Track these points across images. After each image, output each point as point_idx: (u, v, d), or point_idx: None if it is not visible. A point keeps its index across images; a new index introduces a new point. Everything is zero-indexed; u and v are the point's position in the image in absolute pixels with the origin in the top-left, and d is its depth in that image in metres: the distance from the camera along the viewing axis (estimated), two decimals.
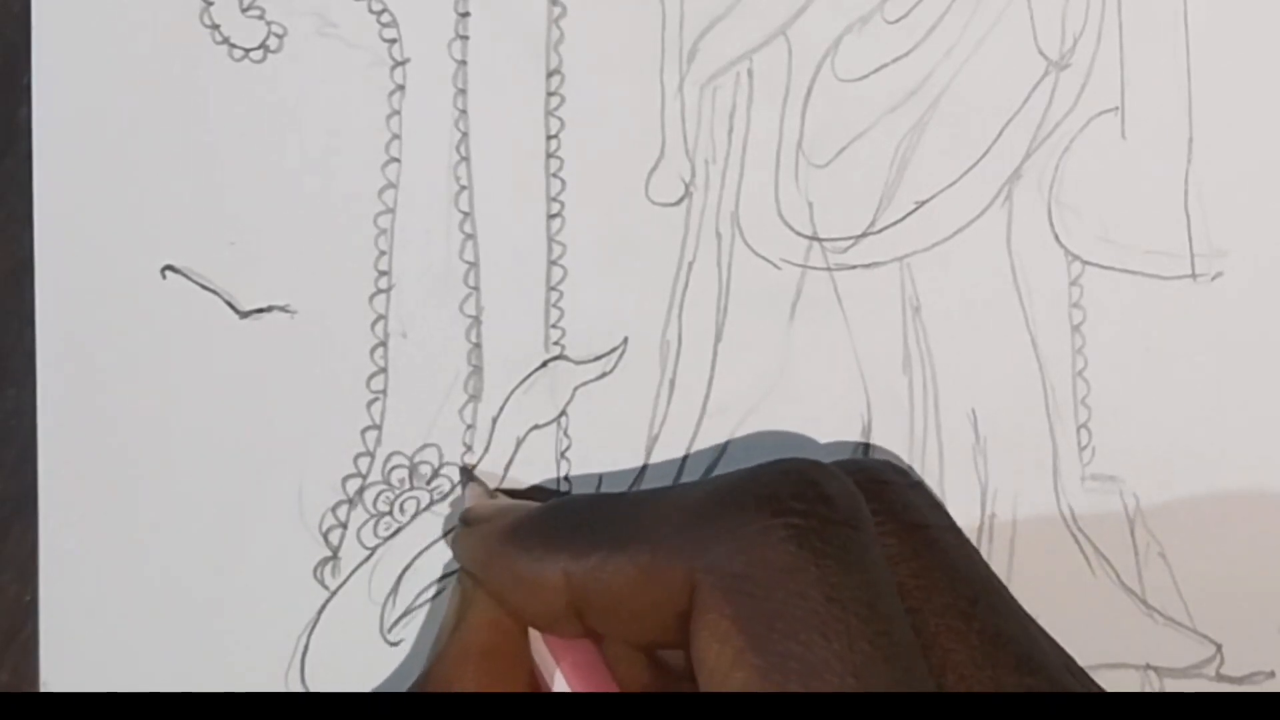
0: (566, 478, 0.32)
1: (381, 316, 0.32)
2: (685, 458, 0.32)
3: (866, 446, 0.32)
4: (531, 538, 0.27)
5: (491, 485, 0.32)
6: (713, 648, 0.24)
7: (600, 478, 0.32)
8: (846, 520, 0.25)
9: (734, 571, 0.24)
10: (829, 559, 0.24)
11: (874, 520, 0.26)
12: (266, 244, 0.32)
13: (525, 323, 0.32)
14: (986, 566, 0.27)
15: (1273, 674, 0.32)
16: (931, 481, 0.32)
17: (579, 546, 0.26)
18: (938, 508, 0.28)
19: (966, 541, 0.28)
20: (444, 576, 0.32)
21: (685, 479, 0.32)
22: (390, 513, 0.32)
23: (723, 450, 0.32)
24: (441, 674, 0.28)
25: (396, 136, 0.32)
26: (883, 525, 0.26)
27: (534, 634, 0.28)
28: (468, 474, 0.32)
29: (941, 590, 0.26)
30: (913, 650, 0.24)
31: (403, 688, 0.31)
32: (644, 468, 0.32)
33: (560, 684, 0.27)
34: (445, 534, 0.32)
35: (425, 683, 0.28)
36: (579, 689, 0.27)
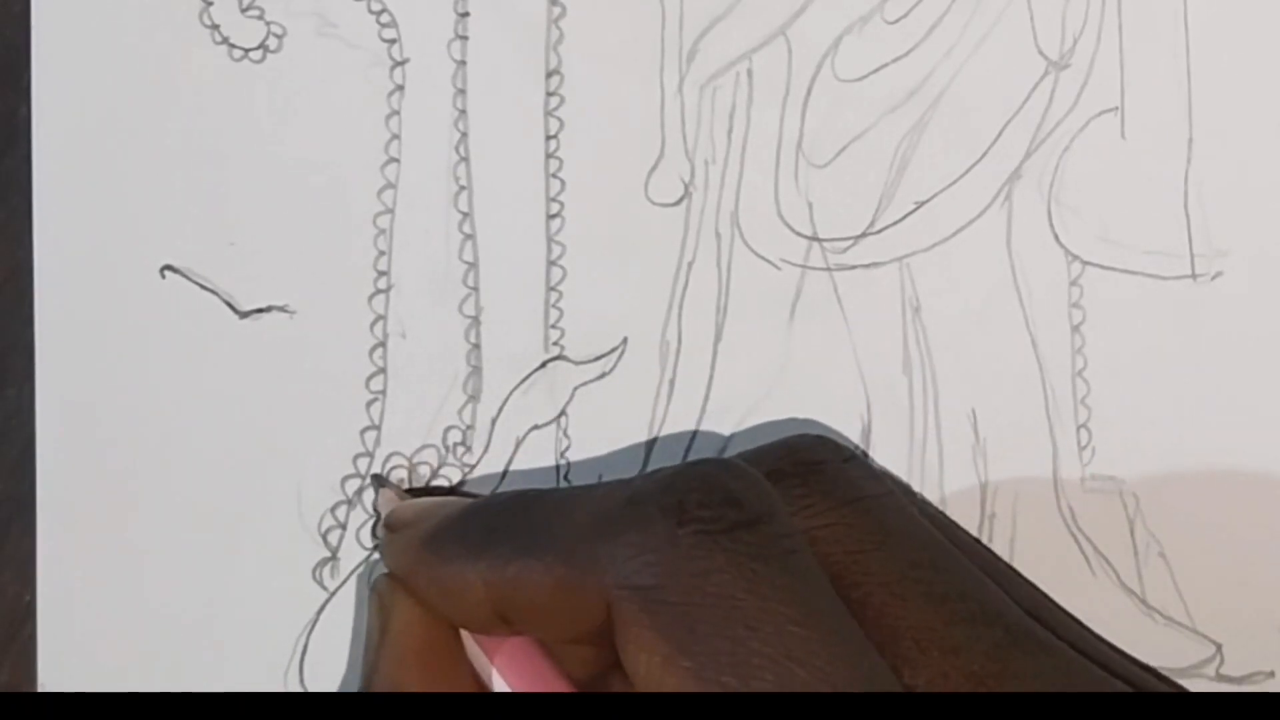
0: (566, 478, 0.32)
1: (381, 317, 0.32)
2: (685, 458, 0.32)
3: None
4: (451, 545, 0.27)
5: (489, 488, 0.32)
6: (640, 658, 0.24)
7: (600, 478, 0.32)
8: (757, 518, 0.25)
9: (647, 584, 0.24)
10: (742, 556, 0.24)
11: (808, 501, 0.26)
12: (266, 244, 0.32)
13: (525, 323, 0.32)
14: (930, 528, 0.27)
15: (1273, 674, 0.32)
16: (931, 481, 0.32)
17: (497, 555, 0.26)
18: (875, 478, 0.27)
19: (906, 507, 0.27)
20: None
21: None
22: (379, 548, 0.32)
23: (722, 451, 0.32)
24: (384, 684, 0.28)
25: (396, 137, 0.32)
26: (813, 506, 0.26)
27: (465, 635, 0.28)
28: (379, 480, 0.32)
29: (882, 560, 0.26)
30: (847, 624, 0.24)
31: None
32: (644, 468, 0.32)
33: (498, 680, 0.27)
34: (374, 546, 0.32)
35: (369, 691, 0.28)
36: (516, 683, 0.27)
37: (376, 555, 0.32)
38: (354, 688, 0.30)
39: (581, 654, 0.28)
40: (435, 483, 0.32)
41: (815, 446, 0.28)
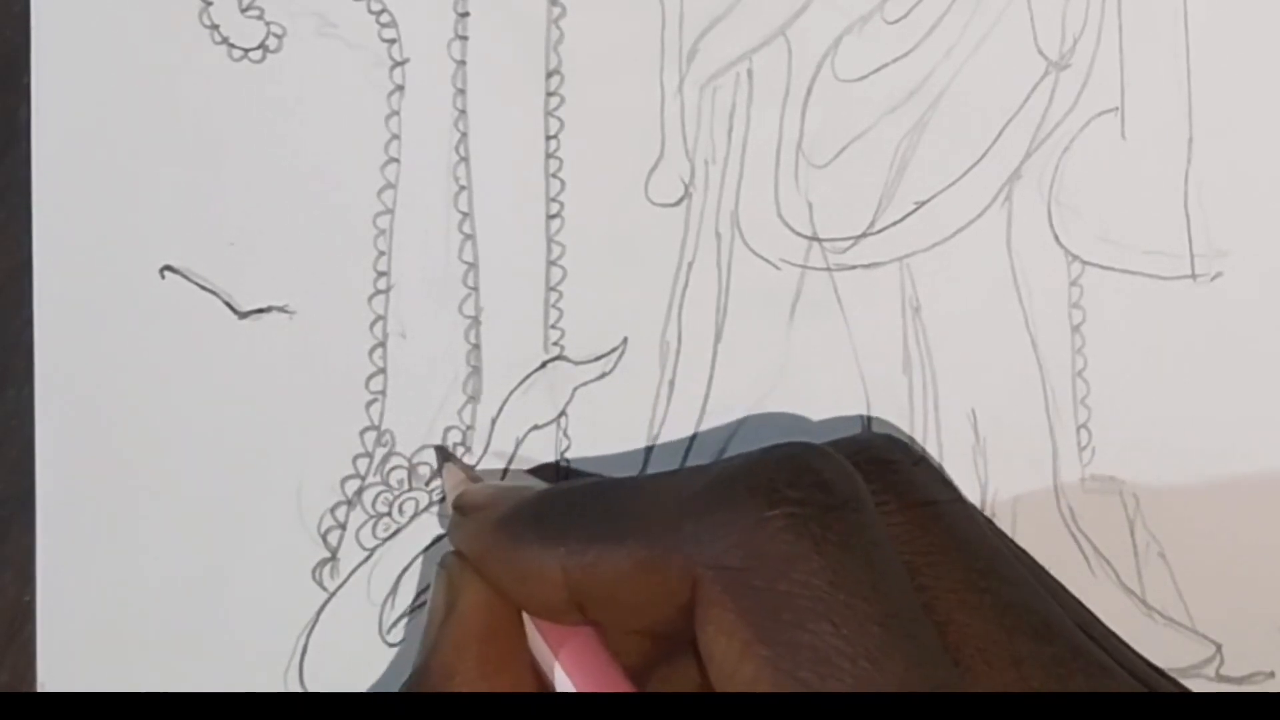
0: (567, 479, 0.32)
1: (381, 317, 0.32)
2: (685, 458, 0.32)
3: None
4: (528, 530, 0.27)
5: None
6: (719, 641, 0.24)
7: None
8: (845, 504, 0.25)
9: (734, 565, 0.24)
10: (829, 545, 0.24)
11: (878, 500, 0.26)
12: (266, 244, 0.32)
13: (524, 323, 0.32)
14: (997, 538, 0.27)
15: (1273, 674, 0.32)
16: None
17: (575, 540, 0.26)
18: (944, 483, 0.28)
19: (975, 514, 0.27)
20: None
21: None
22: (389, 514, 0.32)
23: (722, 451, 0.32)
24: (440, 664, 0.27)
25: (396, 137, 0.32)
26: (887, 505, 0.26)
27: (529, 625, 0.28)
28: (444, 454, 0.32)
29: (951, 566, 0.26)
30: (925, 628, 0.24)
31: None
32: (644, 469, 0.32)
33: (560, 676, 0.27)
34: (438, 536, 0.32)
35: (424, 675, 0.28)
36: (579, 679, 0.27)
37: (378, 556, 0.32)
38: (354, 687, 0.30)
39: (640, 644, 0.28)
40: (433, 483, 0.32)
41: (888, 446, 0.28)
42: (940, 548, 0.26)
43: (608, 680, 0.27)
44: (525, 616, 0.28)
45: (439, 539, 0.32)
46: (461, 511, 0.29)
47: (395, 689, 0.31)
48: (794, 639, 0.23)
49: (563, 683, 0.27)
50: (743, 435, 0.32)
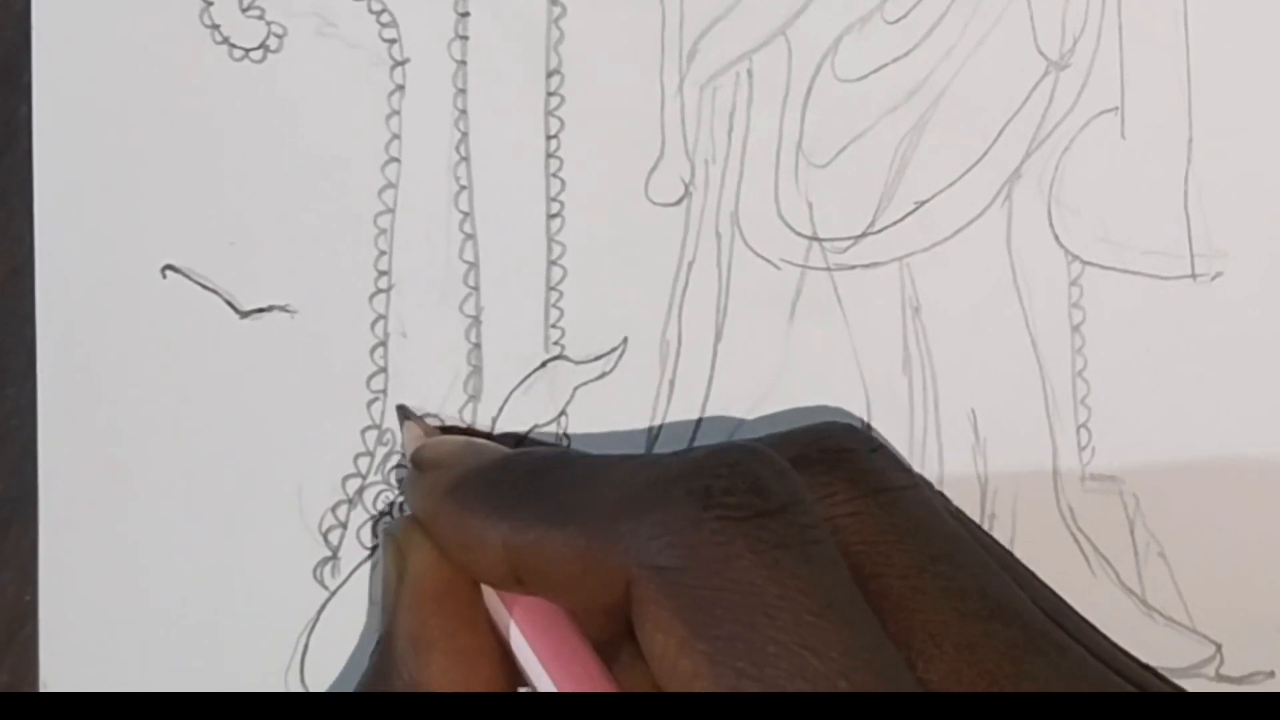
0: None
1: (381, 316, 0.32)
2: None
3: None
4: (476, 500, 0.27)
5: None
6: (657, 639, 0.24)
7: None
8: (783, 508, 0.25)
9: (669, 565, 0.24)
10: (764, 545, 0.24)
11: (832, 490, 0.26)
12: (266, 244, 0.32)
13: (525, 323, 0.32)
14: (958, 523, 0.27)
15: (1272, 674, 0.32)
16: (932, 481, 0.32)
17: (519, 518, 0.26)
18: (902, 470, 0.28)
19: (932, 500, 0.27)
20: None
21: None
22: (390, 513, 0.32)
23: None
24: (403, 630, 0.27)
25: (396, 136, 0.32)
26: (837, 494, 0.26)
27: (484, 586, 0.28)
28: (404, 412, 0.32)
29: (903, 552, 0.26)
30: (866, 616, 0.24)
31: None
32: None
33: (515, 634, 0.27)
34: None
35: (389, 641, 0.28)
36: (534, 639, 0.27)
37: (379, 555, 0.32)
38: (354, 687, 0.30)
39: (596, 620, 0.28)
40: None
41: (842, 435, 0.28)
42: (892, 535, 0.26)
43: (561, 638, 0.27)
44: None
45: None
46: (418, 467, 0.29)
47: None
48: (730, 633, 0.23)
49: (518, 641, 0.27)
50: (743, 435, 0.32)
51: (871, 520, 0.26)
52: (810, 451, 0.27)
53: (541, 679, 0.27)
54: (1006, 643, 0.25)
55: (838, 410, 0.32)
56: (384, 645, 0.28)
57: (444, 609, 0.28)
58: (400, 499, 0.32)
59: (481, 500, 0.27)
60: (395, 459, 0.32)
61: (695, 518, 0.24)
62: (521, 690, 0.28)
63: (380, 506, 0.32)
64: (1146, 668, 0.27)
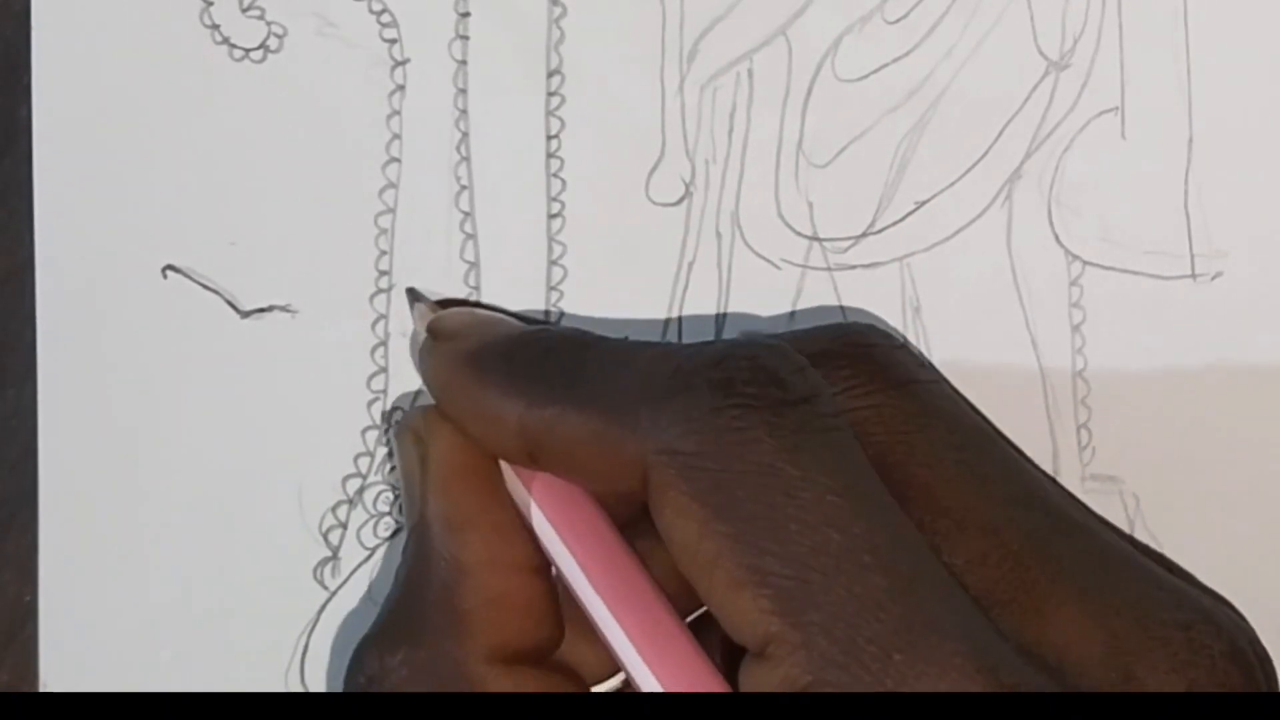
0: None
1: (382, 316, 0.32)
2: None
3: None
4: (493, 372, 0.27)
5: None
6: (677, 524, 0.24)
7: None
8: (802, 398, 0.25)
9: (688, 450, 0.24)
10: (784, 430, 0.24)
11: (854, 382, 0.26)
12: (267, 244, 0.32)
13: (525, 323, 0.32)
14: (977, 415, 0.27)
15: None
16: None
17: (537, 394, 0.26)
18: (925, 366, 0.28)
19: (955, 394, 0.28)
20: None
21: None
22: (390, 513, 0.32)
23: None
24: (434, 514, 0.27)
25: (397, 136, 0.32)
26: (863, 386, 0.26)
27: (503, 464, 0.28)
28: (414, 294, 0.32)
29: (925, 440, 0.26)
30: (886, 498, 0.24)
31: None
32: None
33: (536, 514, 0.27)
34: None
35: (421, 529, 0.28)
36: (555, 517, 0.27)
37: (380, 555, 0.32)
38: (393, 582, 0.29)
39: (610, 506, 0.28)
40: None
41: (866, 331, 0.28)
42: (915, 424, 0.26)
43: (581, 516, 0.27)
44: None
45: None
46: (435, 335, 0.29)
47: None
48: (750, 513, 0.23)
49: (539, 520, 0.27)
50: None
51: (894, 410, 0.26)
52: (834, 346, 0.27)
53: (563, 556, 0.27)
54: (1030, 525, 0.25)
55: None
56: (416, 535, 0.28)
57: (474, 487, 0.28)
58: (399, 496, 0.32)
59: (499, 372, 0.27)
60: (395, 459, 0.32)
61: (716, 405, 0.24)
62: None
63: (381, 507, 0.32)
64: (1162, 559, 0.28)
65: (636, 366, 0.26)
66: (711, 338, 0.32)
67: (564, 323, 0.32)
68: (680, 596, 0.26)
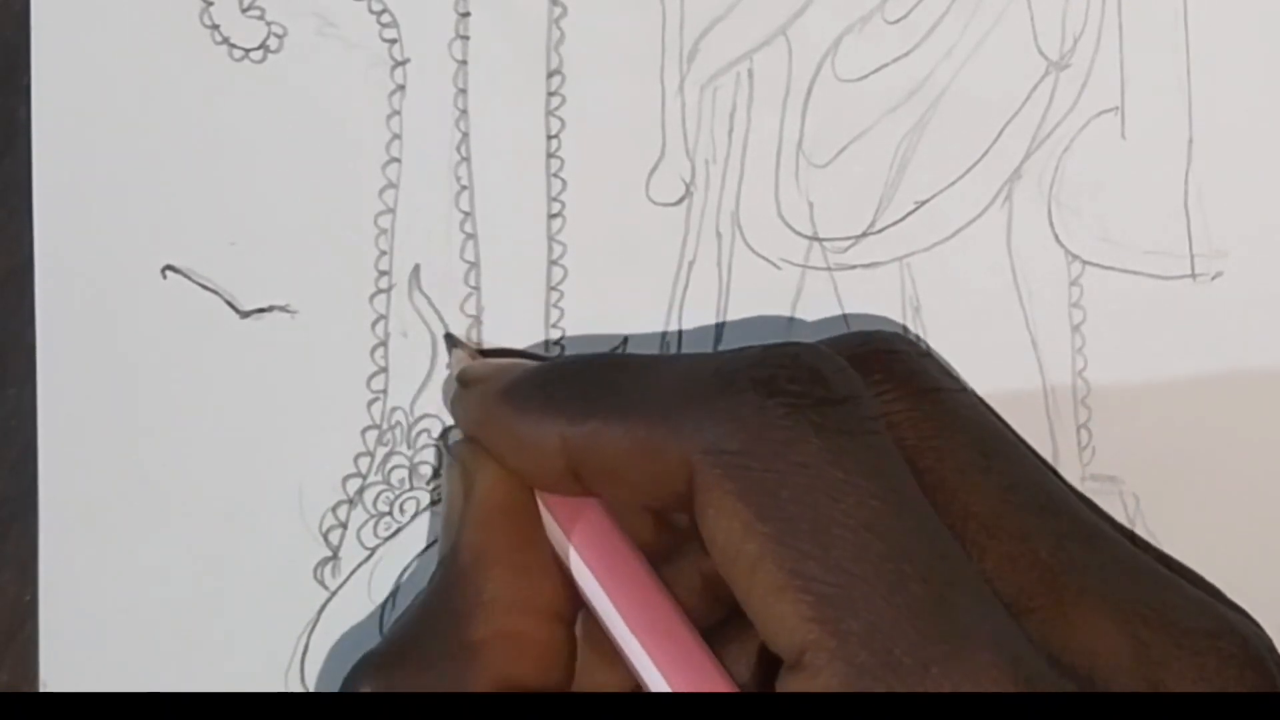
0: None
1: (382, 316, 0.32)
2: None
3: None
4: (529, 399, 0.27)
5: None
6: (720, 524, 0.24)
7: None
8: (844, 399, 0.25)
9: (732, 450, 0.24)
10: (827, 430, 0.24)
11: (884, 388, 0.27)
12: (267, 244, 0.32)
13: (525, 323, 0.32)
14: (1001, 424, 0.28)
15: None
16: None
17: (576, 411, 0.26)
18: (948, 374, 0.28)
19: (980, 402, 0.28)
20: None
21: None
22: (390, 513, 0.32)
23: None
24: (468, 544, 0.27)
25: (397, 136, 0.32)
26: (892, 392, 0.27)
27: (542, 509, 0.28)
28: (452, 340, 0.32)
29: (955, 448, 0.26)
30: (924, 505, 0.25)
31: None
32: None
33: (575, 559, 0.27)
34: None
35: (454, 556, 0.28)
36: (593, 562, 0.27)
37: (380, 555, 0.32)
38: (412, 605, 0.29)
39: (645, 526, 0.28)
40: (434, 482, 0.32)
41: (891, 338, 0.28)
42: (944, 431, 0.26)
43: (621, 559, 0.27)
44: (539, 501, 0.28)
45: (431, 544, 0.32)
46: (464, 383, 0.29)
47: None
48: (793, 515, 0.23)
49: (577, 564, 0.27)
50: None
51: (924, 417, 0.27)
52: (861, 352, 0.27)
53: (601, 600, 0.27)
54: (1057, 533, 0.26)
55: None
56: (447, 563, 0.28)
57: (511, 524, 0.28)
58: (399, 495, 0.32)
59: (535, 398, 0.27)
60: (396, 459, 0.32)
61: (759, 404, 0.24)
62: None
63: (381, 507, 0.32)
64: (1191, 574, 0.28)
65: (674, 372, 0.26)
66: (712, 338, 0.32)
67: (564, 323, 0.32)
68: (710, 614, 0.27)
